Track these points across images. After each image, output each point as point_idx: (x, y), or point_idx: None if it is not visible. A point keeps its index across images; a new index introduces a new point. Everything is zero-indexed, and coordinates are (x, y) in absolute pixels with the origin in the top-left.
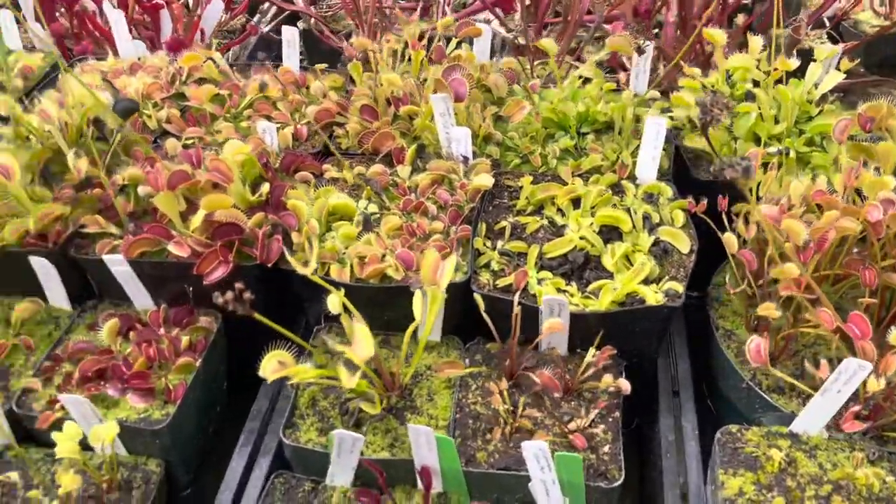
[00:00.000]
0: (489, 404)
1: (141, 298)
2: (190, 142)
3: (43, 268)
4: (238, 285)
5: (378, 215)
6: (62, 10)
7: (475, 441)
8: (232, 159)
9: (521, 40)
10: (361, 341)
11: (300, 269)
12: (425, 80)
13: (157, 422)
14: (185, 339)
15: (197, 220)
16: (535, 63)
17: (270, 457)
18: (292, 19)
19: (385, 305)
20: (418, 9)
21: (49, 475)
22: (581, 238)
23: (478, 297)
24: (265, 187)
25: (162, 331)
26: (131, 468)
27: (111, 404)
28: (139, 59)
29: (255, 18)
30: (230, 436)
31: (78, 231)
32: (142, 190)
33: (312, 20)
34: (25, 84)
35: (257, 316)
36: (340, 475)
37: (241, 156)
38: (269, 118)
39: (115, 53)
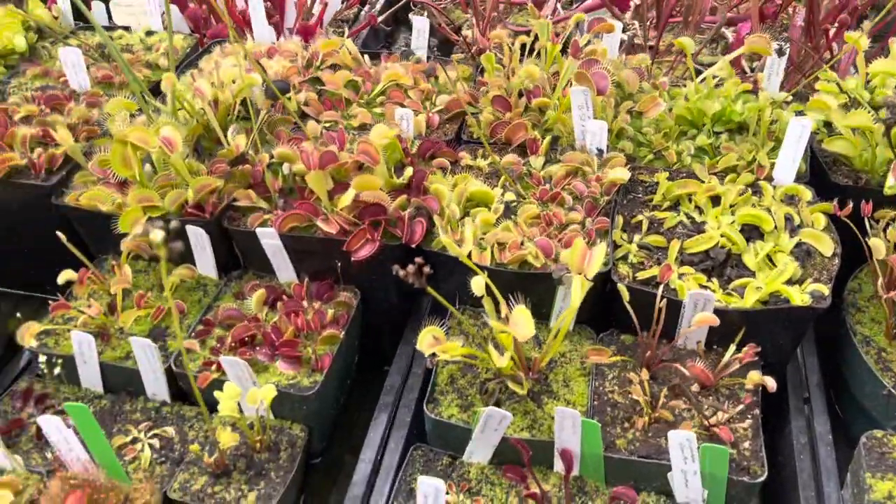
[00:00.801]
0: (627, 394)
1: (285, 271)
2: (327, 125)
3: (198, 237)
4: (418, 260)
5: (515, 203)
6: None
7: (614, 428)
8: (378, 142)
9: (639, 39)
10: (522, 322)
11: (455, 251)
12: (556, 73)
13: (306, 388)
14: (329, 313)
15: (346, 199)
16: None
17: (405, 430)
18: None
19: (522, 291)
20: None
21: (201, 432)
22: (722, 236)
23: (622, 288)
24: (408, 171)
25: (305, 303)
26: (278, 431)
27: (260, 369)
28: (274, 43)
29: (365, 8)
30: (353, 410)
31: (230, 204)
32: (290, 168)
33: (425, 12)
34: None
35: (430, 290)
36: (480, 452)
37: (386, 140)
38: (401, 105)
39: (245, 38)
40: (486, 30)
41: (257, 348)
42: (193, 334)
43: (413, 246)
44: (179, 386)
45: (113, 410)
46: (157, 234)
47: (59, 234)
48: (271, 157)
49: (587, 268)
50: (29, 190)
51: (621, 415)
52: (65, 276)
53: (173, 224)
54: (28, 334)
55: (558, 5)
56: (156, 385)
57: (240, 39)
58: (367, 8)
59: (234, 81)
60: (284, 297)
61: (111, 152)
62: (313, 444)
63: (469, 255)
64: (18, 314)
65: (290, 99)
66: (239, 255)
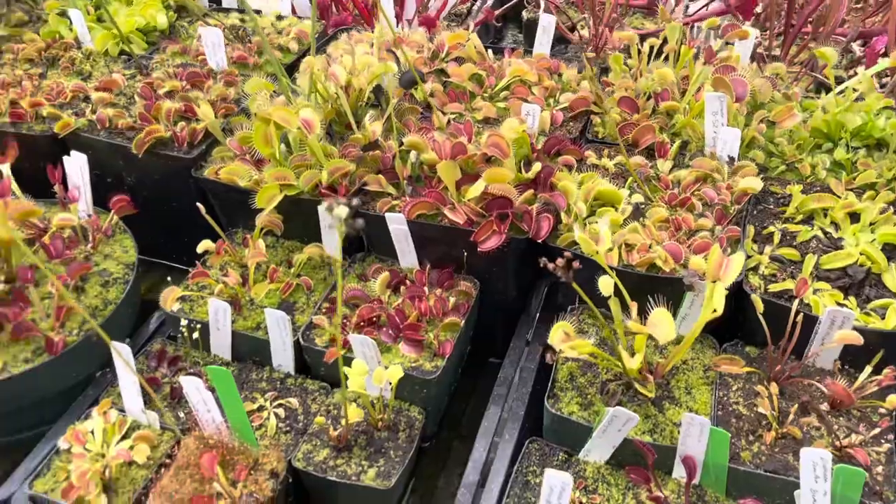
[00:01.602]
0: (752, 406)
1: (408, 257)
2: (452, 116)
3: (327, 218)
4: (567, 254)
5: (643, 206)
6: None
7: (739, 440)
8: (509, 136)
9: (762, 49)
10: (662, 323)
11: (589, 249)
12: (684, 77)
13: (428, 372)
14: (451, 300)
15: (475, 190)
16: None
17: (518, 422)
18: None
19: (647, 294)
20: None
21: (323, 406)
22: (861, 253)
23: (756, 299)
24: (536, 166)
25: (426, 289)
26: (397, 412)
27: (383, 350)
28: (399, 32)
29: (477, 3)
30: (460, 399)
31: (360, 188)
32: (418, 156)
33: (541, 10)
34: (299, 48)
35: (575, 287)
36: (599, 450)
37: (516, 134)
38: (524, 101)
39: (369, 26)
40: (602, 31)
41: (382, 329)
42: (320, 311)
43: (539, 241)
44: (304, 359)
45: (240, 378)
46: (342, 211)
47: (199, 205)
48: (400, 144)
49: (724, 276)
50: (172, 161)
51: (746, 427)
52: (204, 245)
53: (355, 202)
54: (171, 299)
55: (682, 8)
56: (283, 356)
57: (365, 28)
58: (478, 3)
59: (367, 68)
60: (407, 281)
61: (254, 130)
62: (427, 429)
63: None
64: (168, 278)
65: (416, 89)
66: (364, 238)
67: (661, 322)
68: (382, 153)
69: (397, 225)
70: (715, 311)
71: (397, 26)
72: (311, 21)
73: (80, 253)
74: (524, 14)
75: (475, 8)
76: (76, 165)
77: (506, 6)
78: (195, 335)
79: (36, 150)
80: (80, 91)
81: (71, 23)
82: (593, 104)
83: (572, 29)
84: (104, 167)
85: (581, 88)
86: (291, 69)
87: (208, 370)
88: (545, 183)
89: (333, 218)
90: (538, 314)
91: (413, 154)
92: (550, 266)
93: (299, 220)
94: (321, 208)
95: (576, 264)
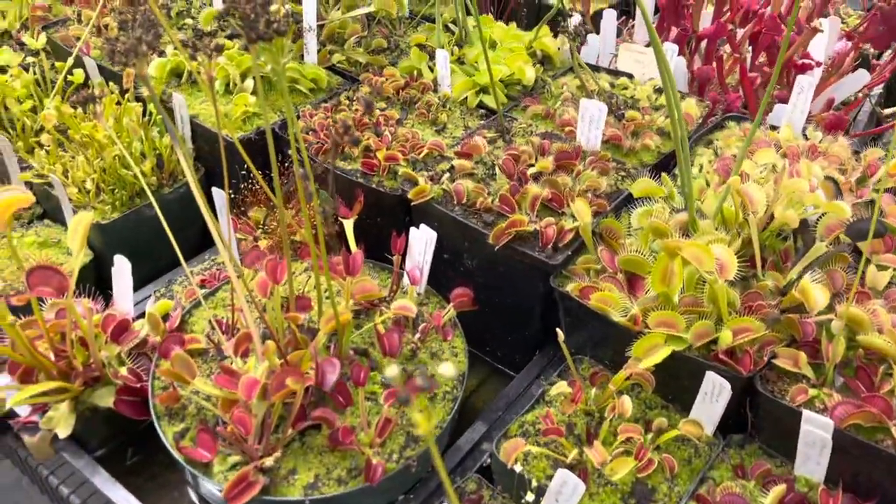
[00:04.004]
0: None
1: (813, 468)
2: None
3: (712, 385)
4: None
5: None
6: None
7: None
8: None
9: None
10: None
11: None
12: None
13: None
14: None
15: None
16: None
17: None
18: None
19: None
20: None
21: None
22: None
23: None
24: None
25: None
26: None
27: None
28: (807, 138)
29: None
30: None
31: (768, 360)
32: (856, 333)
33: None
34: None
35: None
36: None
37: None
38: None
39: (752, 112)
40: None
41: None
42: None
43: None
44: None
45: None
46: None
47: (559, 332)
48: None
49: None
50: (528, 260)
51: None
52: (557, 388)
53: None
54: (514, 455)
55: None
56: None
57: (747, 113)
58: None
59: (792, 194)
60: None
61: (655, 266)
62: None
63: None
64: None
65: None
66: (748, 415)
67: None
68: (800, 318)
69: (814, 427)
70: None
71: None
72: (692, 99)
73: (406, 344)
74: None
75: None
76: (423, 241)
77: None
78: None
79: (379, 204)
80: (437, 149)
81: (431, 59)
82: None
83: None
84: (444, 240)
85: None
86: (669, 159)
87: None
88: None
89: None
90: None
91: (836, 325)
92: None
93: (669, 374)
94: (709, 376)
95: None
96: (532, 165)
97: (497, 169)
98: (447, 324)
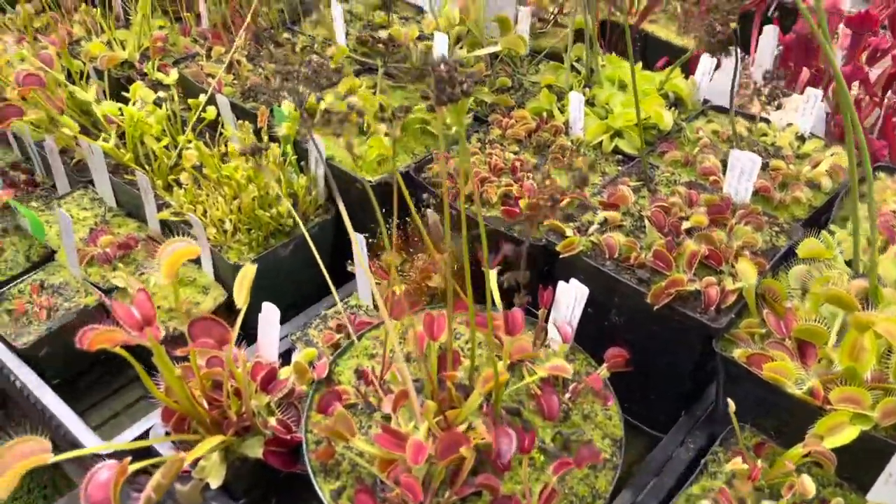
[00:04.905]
0: None
1: None
2: None
3: None
4: None
5: None
6: None
7: None
8: None
9: None
10: None
11: None
12: None
13: None
14: None
15: None
16: None
17: None
18: None
19: None
20: None
21: None
22: None
23: None
24: None
25: None
26: None
27: None
28: None
29: None
30: None
31: None
32: None
33: None
34: (832, 185)
35: None
36: None
37: None
38: None
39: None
40: None
41: None
42: None
43: None
44: None
45: None
46: None
47: (730, 403)
48: None
49: None
50: (688, 322)
51: None
52: (733, 465)
53: None
54: None
55: None
56: None
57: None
58: None
59: None
60: None
61: (845, 340)
62: None
63: None
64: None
65: None
66: None
67: None
68: None
69: None
70: None
71: None
72: (847, 153)
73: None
74: None
75: None
76: (572, 296)
77: None
78: None
79: (517, 253)
80: (578, 199)
81: (558, 100)
82: None
83: None
84: (590, 294)
85: None
86: (820, 213)
87: None
88: None
89: None
90: None
91: None
92: None
93: (847, 451)
94: None
95: None
96: (684, 219)
97: (647, 221)
98: (605, 387)
